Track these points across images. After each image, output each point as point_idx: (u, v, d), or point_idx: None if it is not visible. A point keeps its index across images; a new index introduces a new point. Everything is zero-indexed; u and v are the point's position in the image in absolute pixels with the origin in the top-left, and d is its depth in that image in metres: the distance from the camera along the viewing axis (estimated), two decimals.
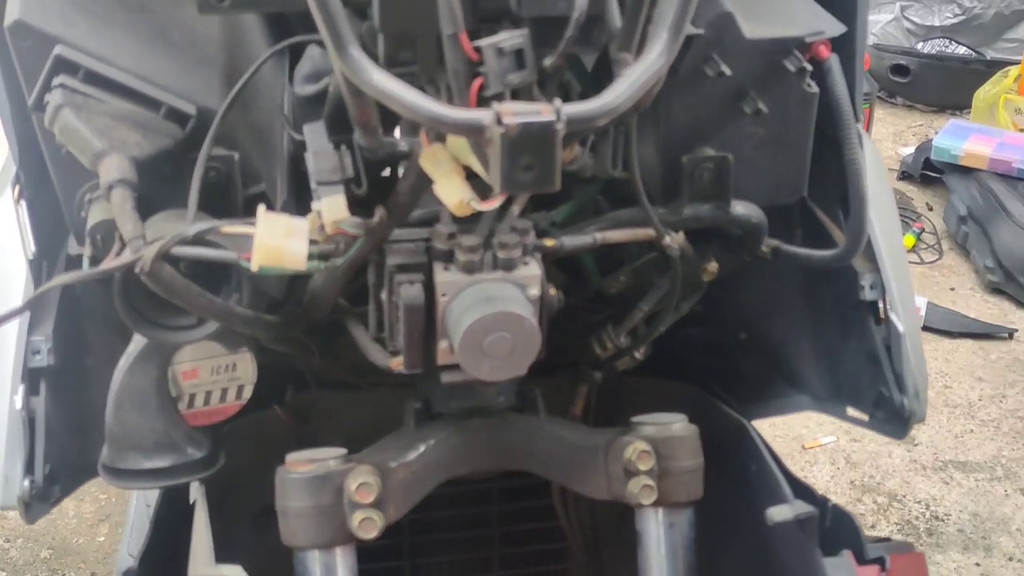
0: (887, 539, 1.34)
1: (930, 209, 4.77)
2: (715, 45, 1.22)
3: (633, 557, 1.32)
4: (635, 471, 1.24)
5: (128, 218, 1.03)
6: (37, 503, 1.25)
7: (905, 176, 4.97)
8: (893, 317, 1.35)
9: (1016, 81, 5.07)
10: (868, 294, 1.37)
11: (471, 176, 1.04)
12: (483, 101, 0.96)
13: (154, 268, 1.02)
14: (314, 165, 1.08)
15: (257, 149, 1.22)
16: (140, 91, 1.11)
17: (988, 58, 5.71)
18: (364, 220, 1.09)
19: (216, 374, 1.27)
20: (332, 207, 1.06)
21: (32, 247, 1.26)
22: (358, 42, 0.90)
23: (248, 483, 1.45)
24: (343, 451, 1.22)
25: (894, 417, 1.37)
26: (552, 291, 1.17)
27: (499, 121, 0.87)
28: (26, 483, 1.23)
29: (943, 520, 3.06)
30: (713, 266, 1.36)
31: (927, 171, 4.84)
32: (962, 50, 5.78)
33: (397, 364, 1.17)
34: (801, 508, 1.27)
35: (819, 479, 3.19)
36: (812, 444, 3.32)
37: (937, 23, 5.83)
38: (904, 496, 3.15)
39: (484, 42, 0.95)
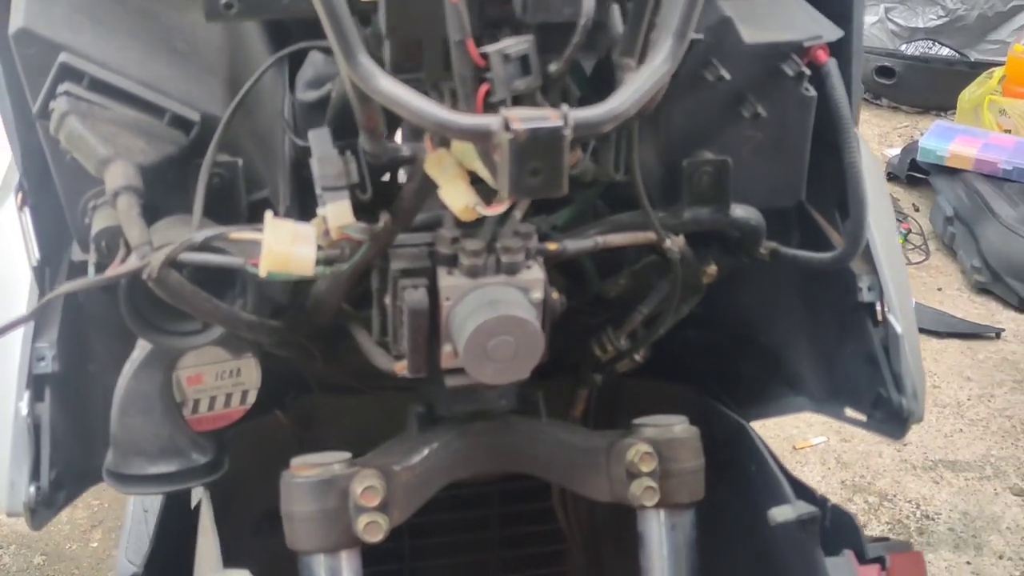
0: (886, 539, 1.35)
1: (916, 210, 4.79)
2: (714, 50, 1.23)
3: (632, 558, 1.32)
4: (637, 473, 1.25)
5: (134, 224, 1.04)
6: (42, 509, 1.25)
7: (891, 177, 4.99)
8: (891, 319, 1.36)
9: (1000, 82, 5.11)
10: (866, 296, 1.38)
11: (474, 180, 1.05)
12: (488, 107, 0.97)
13: (161, 274, 1.02)
14: (319, 171, 1.08)
15: (259, 155, 1.23)
16: (144, 98, 1.12)
17: (972, 59, 5.74)
18: (369, 225, 1.09)
19: (220, 379, 1.27)
20: (337, 212, 1.07)
21: (36, 254, 1.27)
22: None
23: (251, 488, 1.45)
24: (347, 455, 1.22)
25: (892, 417, 1.38)
26: (554, 295, 1.18)
27: (507, 127, 0.88)
28: (32, 489, 1.23)
29: (934, 519, 3.08)
30: (712, 269, 1.38)
31: (913, 172, 4.86)
32: (945, 51, 5.82)
33: (401, 368, 1.18)
34: (803, 508, 1.28)
35: (810, 479, 3.20)
36: (803, 445, 3.33)
37: (921, 25, 5.86)
38: (895, 496, 3.17)
39: (490, 48, 0.95)
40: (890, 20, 5.90)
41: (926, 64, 5.76)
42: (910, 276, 4.27)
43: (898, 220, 4.65)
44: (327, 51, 1.26)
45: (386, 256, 1.16)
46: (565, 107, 0.90)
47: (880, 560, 1.27)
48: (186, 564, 1.31)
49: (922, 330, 3.88)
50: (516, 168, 0.90)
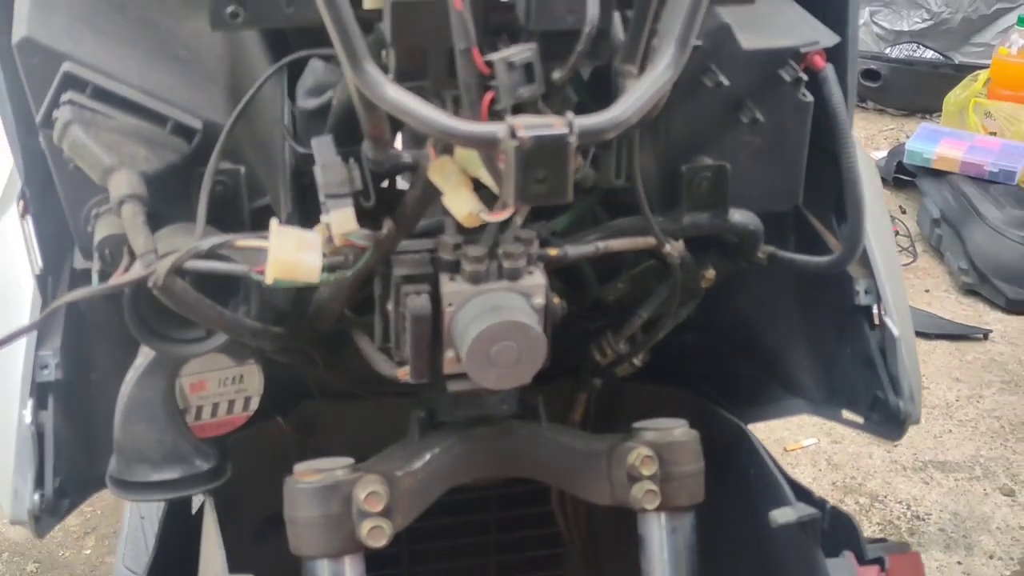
0: (883, 539, 1.36)
1: (903, 212, 4.82)
2: (713, 56, 1.24)
3: (631, 561, 1.33)
4: (638, 476, 1.26)
5: (139, 232, 1.04)
6: (46, 517, 1.25)
7: None
8: (888, 321, 1.38)
9: (985, 85, 5.14)
10: (863, 299, 1.40)
11: (476, 187, 1.06)
12: (492, 114, 0.97)
13: (167, 282, 1.03)
14: (323, 178, 1.09)
15: (261, 162, 1.23)
16: (147, 106, 1.12)
17: (956, 62, 5.78)
18: (372, 232, 1.10)
19: (223, 386, 1.28)
20: (341, 219, 1.07)
21: (39, 262, 1.27)
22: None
23: (252, 493, 1.45)
24: (350, 460, 1.23)
25: (890, 419, 1.39)
26: (555, 300, 1.18)
27: (513, 134, 0.89)
28: (36, 497, 1.23)
29: (924, 520, 3.10)
30: (711, 273, 1.39)
31: (899, 175, 4.89)
32: (930, 54, 5.85)
33: (404, 374, 1.18)
34: (804, 510, 1.29)
35: (801, 481, 3.20)
36: (794, 446, 3.35)
37: (906, 28, 5.89)
38: (885, 496, 3.19)
39: (495, 56, 0.96)
40: (875, 23, 5.93)
41: (911, 67, 5.80)
42: None
43: None
44: (328, 59, 1.27)
45: (388, 262, 1.16)
46: (570, 114, 0.90)
47: (879, 561, 1.28)
48: (189, 571, 1.32)
49: None
50: (522, 175, 0.91)
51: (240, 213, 1.18)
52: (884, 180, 4.98)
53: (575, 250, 1.25)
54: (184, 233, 1.12)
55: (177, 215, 1.14)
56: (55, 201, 1.18)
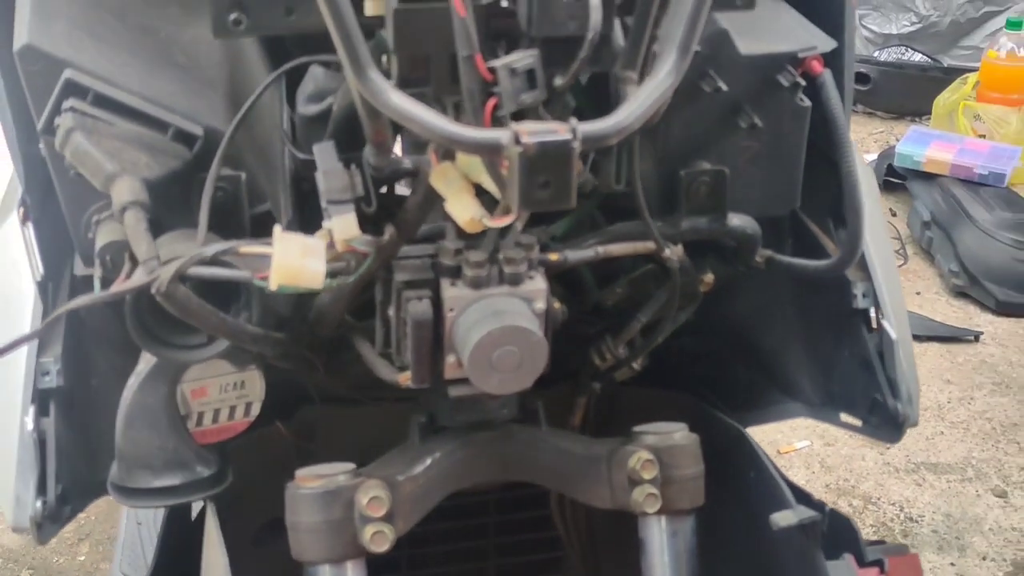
0: (882, 542, 1.37)
1: (894, 215, 4.84)
2: (711, 61, 1.24)
3: (630, 565, 1.34)
4: (639, 480, 1.27)
5: (142, 239, 1.04)
6: (48, 524, 1.25)
7: None
8: (885, 324, 1.38)
9: (974, 88, 5.16)
10: (861, 302, 1.40)
11: (477, 192, 1.06)
12: (494, 120, 0.98)
13: (170, 288, 1.03)
14: (325, 184, 1.09)
15: (261, 168, 1.23)
16: (148, 113, 1.12)
17: (945, 65, 5.81)
18: (374, 238, 1.10)
19: (224, 392, 1.28)
20: (343, 225, 1.08)
21: (40, 269, 1.27)
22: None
23: (251, 498, 1.45)
24: (352, 465, 1.23)
25: (888, 422, 1.40)
26: (555, 304, 1.19)
27: (517, 140, 0.89)
28: (38, 504, 1.23)
29: (917, 521, 3.11)
30: (709, 277, 1.39)
31: (890, 177, 4.91)
32: (919, 57, 5.88)
33: (405, 379, 1.19)
34: (804, 513, 1.29)
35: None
36: (787, 449, 3.36)
37: (895, 31, 5.92)
38: (879, 498, 3.20)
39: (498, 63, 0.97)
40: (864, 27, 5.96)
41: (900, 70, 5.83)
42: None
43: None
44: (328, 65, 1.27)
45: (389, 268, 1.16)
46: (574, 120, 0.91)
47: (879, 563, 1.29)
48: None
49: None
50: (526, 181, 0.91)
51: (241, 219, 1.18)
52: None
53: (575, 255, 1.26)
54: (185, 239, 1.12)
55: (177, 221, 1.14)
56: (55, 208, 1.18)
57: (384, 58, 1.04)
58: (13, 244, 1.30)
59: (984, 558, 2.98)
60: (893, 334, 1.38)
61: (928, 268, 4.45)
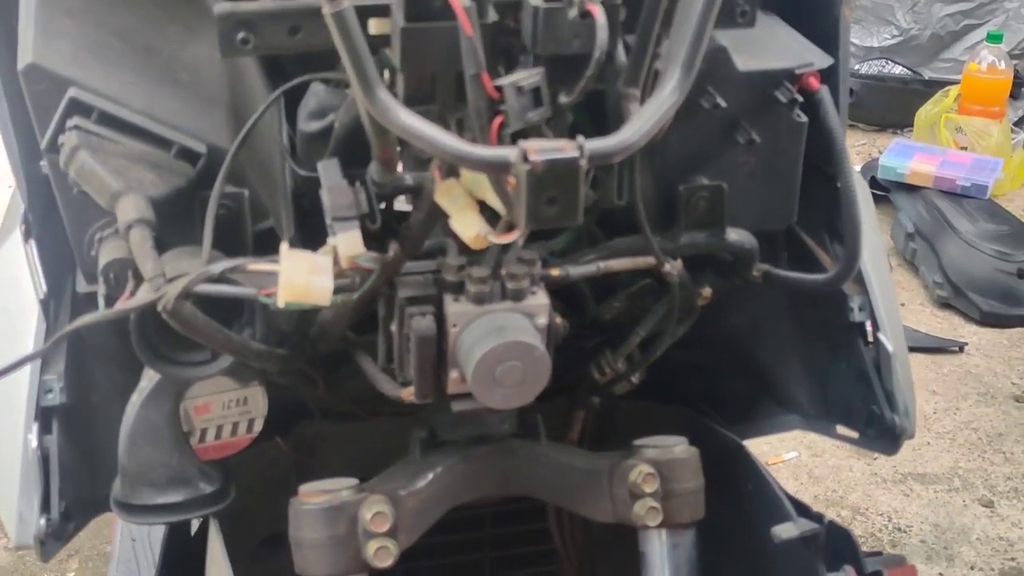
0: (879, 553, 1.38)
1: None
2: (710, 78, 1.26)
3: None
4: (640, 493, 1.27)
5: (148, 257, 1.05)
6: (52, 541, 1.25)
7: None
8: (882, 338, 1.40)
9: (956, 101, 5.20)
10: (857, 315, 1.42)
11: (480, 208, 1.07)
12: (499, 138, 0.99)
13: (176, 306, 1.03)
14: (330, 201, 1.10)
15: (262, 185, 1.24)
16: (152, 131, 1.13)
17: (926, 78, 5.84)
18: (379, 254, 1.11)
19: (227, 408, 1.28)
20: (348, 242, 1.08)
21: (43, 286, 1.27)
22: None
23: (250, 514, 1.46)
24: (355, 481, 1.23)
25: (885, 434, 1.41)
26: (557, 319, 1.20)
27: (525, 158, 0.90)
28: (42, 521, 1.23)
29: (905, 532, 3.12)
30: (707, 291, 1.40)
31: (873, 189, 4.90)
32: (899, 70, 5.91)
33: (408, 394, 1.19)
34: (805, 525, 1.31)
35: None
36: (775, 460, 3.37)
37: (876, 44, 5.96)
38: (867, 509, 3.21)
39: (504, 81, 0.98)
40: None
41: (882, 83, 5.86)
42: None
43: None
44: (328, 82, 1.28)
45: (392, 284, 1.17)
46: (580, 138, 0.92)
47: (878, 574, 1.30)
48: None
49: None
50: (533, 198, 0.92)
51: (244, 236, 1.19)
52: None
53: (576, 270, 1.27)
54: (188, 257, 1.12)
55: (180, 239, 1.14)
56: (57, 225, 1.19)
57: (387, 76, 1.05)
58: (15, 261, 1.30)
59: (972, 568, 2.99)
60: (890, 347, 1.39)
61: (912, 279, 4.47)
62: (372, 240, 1.12)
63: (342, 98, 1.26)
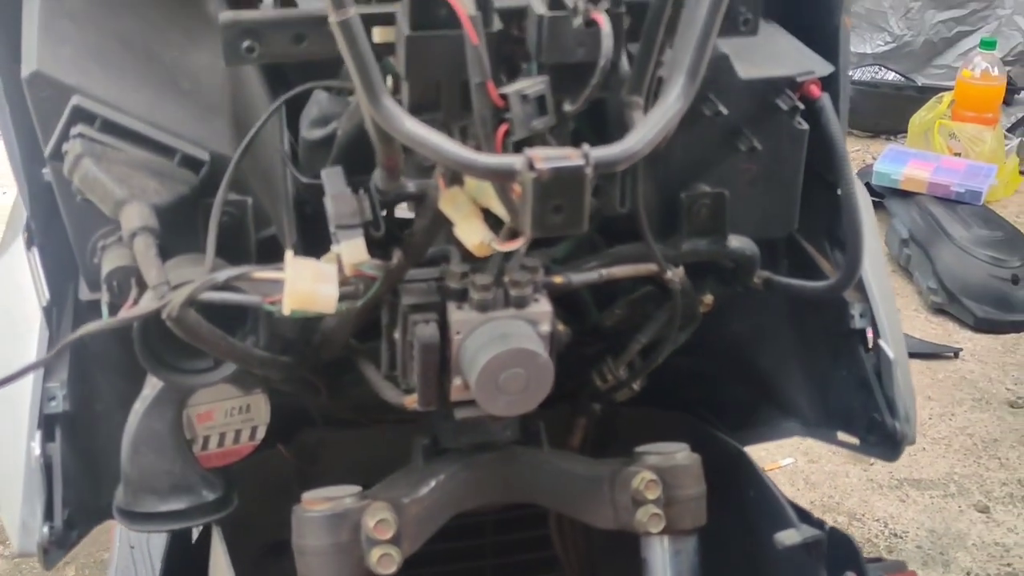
0: (880, 559, 1.38)
1: None
2: (711, 85, 1.26)
3: None
4: (643, 500, 1.28)
5: (152, 264, 1.05)
6: (55, 549, 1.25)
7: None
8: (883, 344, 1.40)
9: (949, 107, 5.22)
10: (858, 322, 1.42)
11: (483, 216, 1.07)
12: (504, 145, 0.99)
13: (181, 313, 1.03)
14: (334, 209, 1.10)
15: (264, 193, 1.24)
16: (155, 139, 1.13)
17: (919, 84, 5.86)
18: (383, 262, 1.11)
19: (230, 416, 1.28)
20: (352, 250, 1.08)
21: (46, 294, 1.27)
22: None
23: (252, 522, 1.45)
24: (358, 488, 1.23)
25: (886, 441, 1.41)
26: (560, 326, 1.20)
27: (531, 166, 0.90)
28: (45, 529, 1.23)
29: (902, 537, 3.13)
30: (709, 298, 1.40)
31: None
32: (892, 76, 5.93)
33: (411, 402, 1.19)
34: (808, 532, 1.31)
35: None
36: (772, 466, 3.37)
37: (869, 51, 5.97)
38: (863, 515, 3.22)
39: (509, 89, 0.98)
40: None
41: (875, 89, 5.87)
42: None
43: None
44: (331, 90, 1.28)
45: (395, 291, 1.17)
46: (586, 146, 0.92)
47: None
48: None
49: None
50: (539, 206, 0.92)
51: (247, 244, 1.19)
52: None
53: (579, 277, 1.27)
54: (191, 264, 1.12)
55: (182, 246, 1.14)
56: (59, 232, 1.19)
57: (389, 84, 1.05)
58: (18, 269, 1.30)
59: (968, 573, 3.00)
60: (891, 354, 1.40)
61: (907, 285, 4.48)
62: (375, 248, 1.13)
63: (344, 106, 1.26)
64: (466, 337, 1.13)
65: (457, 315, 1.14)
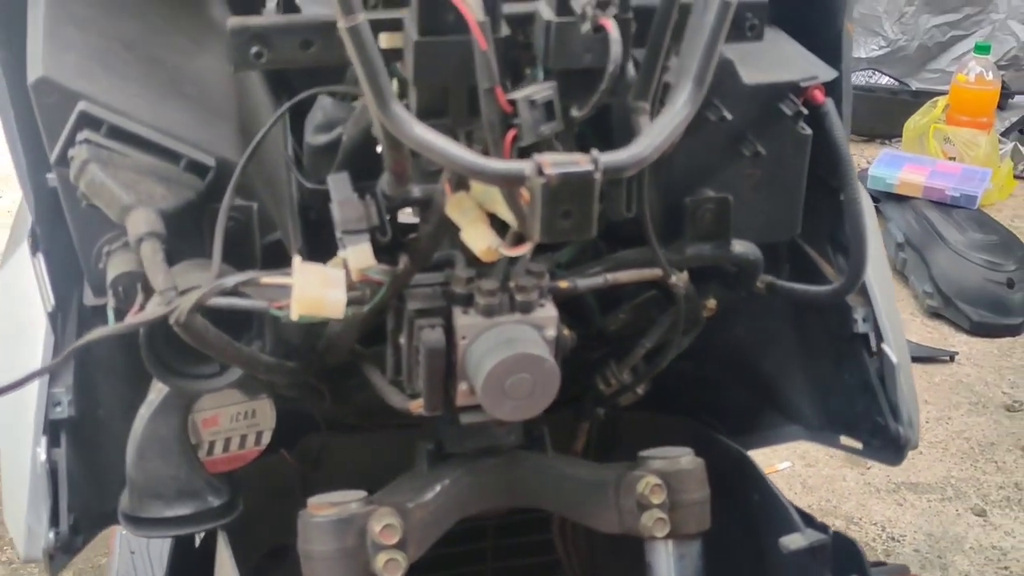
0: (883, 563, 1.39)
1: None
2: (716, 90, 1.26)
3: None
4: (648, 504, 1.28)
5: (159, 270, 1.05)
6: (61, 555, 1.25)
7: None
8: (886, 349, 1.40)
9: (944, 111, 5.23)
10: (861, 327, 1.42)
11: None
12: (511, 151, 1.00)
13: (188, 319, 1.03)
14: (340, 214, 1.10)
15: (269, 198, 1.24)
16: (161, 144, 1.13)
17: (914, 88, 5.88)
18: (389, 267, 1.11)
19: (235, 421, 1.28)
20: (358, 255, 1.08)
21: (51, 299, 1.27)
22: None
23: (256, 527, 1.45)
24: (363, 493, 1.23)
25: (890, 445, 1.42)
26: (565, 331, 1.20)
27: (540, 172, 0.91)
28: (51, 535, 1.23)
29: (899, 541, 3.13)
30: (712, 303, 1.41)
31: None
32: (887, 80, 5.94)
33: (417, 407, 1.19)
34: (813, 536, 1.31)
35: None
36: (769, 470, 3.37)
37: (863, 55, 5.98)
38: (860, 519, 3.22)
39: (517, 95, 0.98)
40: None
41: (870, 93, 5.88)
42: None
43: None
44: (335, 95, 1.28)
45: (401, 296, 1.17)
46: (595, 152, 0.92)
47: None
48: None
49: None
50: (548, 212, 0.93)
51: (253, 249, 1.19)
52: None
53: (584, 282, 1.27)
54: (197, 269, 1.12)
55: (188, 251, 1.14)
56: (64, 238, 1.19)
57: (395, 89, 1.05)
58: (23, 274, 1.29)
59: None
60: (894, 358, 1.40)
61: (902, 289, 4.49)
62: (381, 253, 1.13)
63: (349, 111, 1.26)
64: (472, 342, 1.13)
65: (463, 320, 1.14)
